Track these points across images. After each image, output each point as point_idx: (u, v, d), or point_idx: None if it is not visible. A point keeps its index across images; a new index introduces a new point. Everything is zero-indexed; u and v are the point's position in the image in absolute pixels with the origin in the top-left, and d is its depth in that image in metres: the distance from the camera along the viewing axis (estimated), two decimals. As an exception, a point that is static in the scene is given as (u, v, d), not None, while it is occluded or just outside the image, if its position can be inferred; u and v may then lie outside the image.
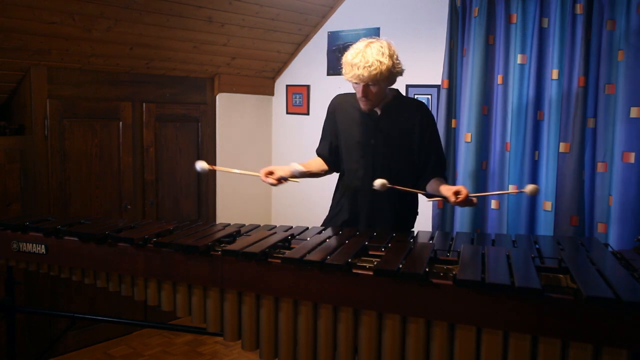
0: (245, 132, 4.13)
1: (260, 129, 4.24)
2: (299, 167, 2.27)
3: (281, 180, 2.20)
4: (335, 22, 3.86)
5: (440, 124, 3.25)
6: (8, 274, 2.35)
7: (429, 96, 3.46)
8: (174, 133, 3.68)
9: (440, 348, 1.52)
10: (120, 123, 3.38)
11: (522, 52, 2.99)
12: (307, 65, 4.03)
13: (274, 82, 4.28)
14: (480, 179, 3.19)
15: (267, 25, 3.66)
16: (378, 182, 2.09)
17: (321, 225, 2.42)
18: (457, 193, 2.02)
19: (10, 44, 2.77)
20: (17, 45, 2.80)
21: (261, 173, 2.21)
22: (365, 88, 2.17)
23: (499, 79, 3.07)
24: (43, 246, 2.11)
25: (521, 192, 2.11)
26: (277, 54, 4.01)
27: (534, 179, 3.02)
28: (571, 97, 2.84)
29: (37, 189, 3.06)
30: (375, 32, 3.66)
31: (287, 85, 4.19)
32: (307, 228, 2.23)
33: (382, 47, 2.16)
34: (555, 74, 2.90)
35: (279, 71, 4.22)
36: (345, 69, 2.19)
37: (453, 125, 3.25)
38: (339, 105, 2.40)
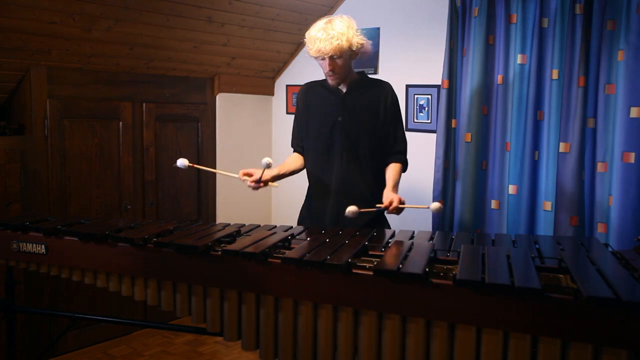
0: (245, 132, 4.12)
1: (260, 129, 4.24)
2: (272, 168, 2.31)
3: (260, 183, 2.27)
4: (335, 22, 3.86)
5: (440, 124, 3.25)
6: (8, 274, 2.35)
7: (429, 96, 3.46)
8: (174, 133, 3.68)
9: (440, 348, 1.52)
10: (120, 123, 3.38)
11: (522, 52, 2.99)
12: (307, 65, 4.03)
13: (274, 82, 4.28)
14: (480, 179, 3.19)
15: (267, 25, 3.66)
16: (350, 210, 2.15)
17: (301, 209, 2.52)
18: (391, 202, 2.19)
19: (10, 44, 2.77)
20: (17, 45, 2.80)
21: (240, 173, 2.31)
22: (331, 62, 2.26)
23: (499, 79, 3.07)
24: (43, 246, 2.11)
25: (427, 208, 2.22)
26: (277, 54, 4.01)
27: (534, 179, 3.02)
28: (571, 97, 2.84)
29: (37, 189, 3.06)
30: (375, 32, 3.66)
31: (287, 85, 4.19)
32: (308, 228, 2.23)
33: (342, 21, 2.26)
34: (555, 74, 2.90)
35: (279, 71, 4.22)
36: (308, 45, 2.28)
37: (453, 125, 3.25)
38: (309, 90, 2.49)
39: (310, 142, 2.46)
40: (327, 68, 2.28)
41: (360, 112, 2.36)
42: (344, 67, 2.30)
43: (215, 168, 3.93)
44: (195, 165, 2.43)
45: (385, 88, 2.42)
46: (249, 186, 2.28)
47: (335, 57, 2.24)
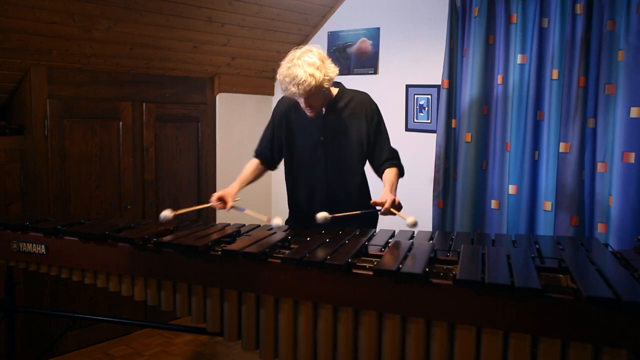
0: (245, 132, 4.12)
1: (260, 129, 4.21)
2: (237, 197, 2.40)
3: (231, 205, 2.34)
4: (335, 22, 3.86)
5: (440, 124, 3.25)
6: (8, 274, 2.35)
7: (429, 96, 3.46)
8: (174, 133, 3.67)
9: (440, 348, 1.52)
10: (120, 123, 3.38)
11: (522, 52, 2.99)
12: (307, 65, 4.03)
13: (274, 82, 4.27)
14: (480, 179, 3.20)
15: (267, 25, 3.66)
16: (320, 216, 2.14)
17: (285, 224, 2.48)
18: (383, 203, 2.14)
19: (10, 44, 2.77)
20: (17, 45, 2.80)
21: (212, 200, 2.32)
22: (307, 100, 2.22)
23: (499, 79, 3.07)
24: (43, 246, 2.11)
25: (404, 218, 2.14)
26: (277, 54, 4.00)
27: (534, 179, 3.02)
28: (571, 97, 2.84)
29: (37, 189, 3.06)
30: (375, 32, 3.66)
31: (287, 85, 4.18)
32: (307, 228, 2.23)
33: (310, 58, 2.18)
34: (555, 74, 2.90)
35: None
36: (281, 86, 2.22)
37: (453, 125, 3.25)
38: (290, 107, 2.43)
39: (292, 159, 2.45)
40: (304, 105, 2.25)
41: (341, 130, 2.35)
42: (320, 100, 2.27)
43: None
44: (178, 212, 2.35)
45: (364, 101, 2.38)
46: (221, 208, 2.34)
47: (308, 97, 2.20)
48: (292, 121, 2.42)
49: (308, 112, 2.31)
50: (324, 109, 2.36)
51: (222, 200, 2.32)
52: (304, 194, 2.43)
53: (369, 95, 2.42)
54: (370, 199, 2.43)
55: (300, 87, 2.14)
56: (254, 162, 2.53)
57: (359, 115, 2.36)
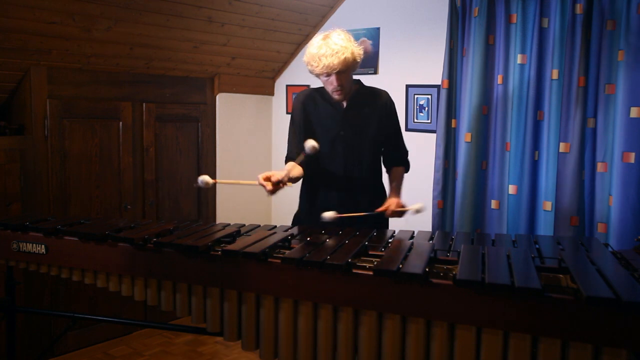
0: (245, 132, 4.12)
1: (260, 129, 4.24)
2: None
3: (279, 184, 2.14)
4: (335, 22, 3.86)
5: (440, 124, 3.25)
6: (8, 274, 2.35)
7: (429, 96, 3.46)
8: (174, 133, 3.68)
9: (440, 348, 1.52)
10: (120, 123, 3.38)
11: (522, 52, 2.99)
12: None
13: (274, 82, 4.28)
14: (480, 179, 3.20)
15: (267, 25, 3.66)
16: (327, 215, 2.16)
17: (293, 220, 2.49)
18: (387, 207, 2.25)
19: (10, 44, 2.77)
20: (17, 45, 2.80)
21: (259, 178, 2.14)
22: (338, 77, 2.22)
23: (499, 79, 3.07)
24: (43, 246, 2.11)
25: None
26: (277, 54, 4.01)
27: (534, 179, 3.02)
28: (571, 97, 2.84)
29: (37, 189, 3.06)
30: (375, 32, 3.66)
31: (287, 85, 4.19)
32: (308, 228, 2.22)
33: (340, 35, 2.23)
34: (555, 74, 2.90)
35: (279, 71, 4.22)
36: (313, 63, 2.22)
37: (453, 125, 3.25)
38: (308, 101, 2.41)
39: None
40: (335, 83, 2.23)
41: (361, 125, 2.36)
42: (349, 80, 2.28)
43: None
44: (218, 181, 2.24)
45: (383, 98, 2.40)
46: (268, 190, 2.12)
47: (342, 71, 2.21)
48: (311, 115, 2.40)
49: (336, 95, 2.29)
50: (344, 103, 2.35)
51: (268, 179, 2.13)
52: (322, 186, 2.41)
53: (388, 94, 2.44)
54: (386, 195, 2.46)
55: (335, 57, 2.16)
56: (292, 163, 2.36)
57: (378, 112, 2.37)
